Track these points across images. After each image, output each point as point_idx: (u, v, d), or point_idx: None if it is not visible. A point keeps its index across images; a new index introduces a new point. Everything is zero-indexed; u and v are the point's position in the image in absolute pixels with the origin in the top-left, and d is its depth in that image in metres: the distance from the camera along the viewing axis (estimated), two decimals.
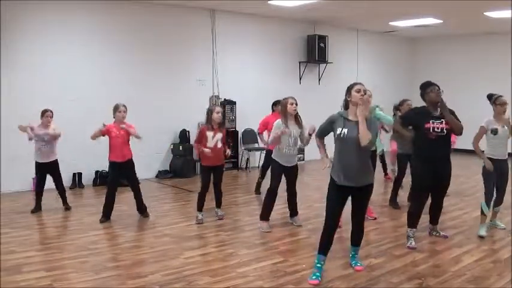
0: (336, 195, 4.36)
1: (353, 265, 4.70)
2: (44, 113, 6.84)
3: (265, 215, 6.09)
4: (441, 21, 11.56)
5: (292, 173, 6.12)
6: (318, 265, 4.42)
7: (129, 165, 6.51)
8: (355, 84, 4.43)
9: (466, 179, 9.01)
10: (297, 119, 5.96)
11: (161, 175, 9.87)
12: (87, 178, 9.00)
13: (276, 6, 10.05)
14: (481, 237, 5.68)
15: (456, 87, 12.73)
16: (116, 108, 6.44)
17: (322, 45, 11.97)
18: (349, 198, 4.44)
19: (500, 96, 5.68)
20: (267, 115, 8.31)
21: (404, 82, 14.57)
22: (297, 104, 5.93)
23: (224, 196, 6.81)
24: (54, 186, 7.05)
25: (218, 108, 6.40)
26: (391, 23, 12.26)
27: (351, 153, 4.26)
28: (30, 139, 6.76)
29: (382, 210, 7.05)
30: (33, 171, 7.04)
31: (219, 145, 6.34)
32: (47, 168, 6.91)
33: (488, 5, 9.60)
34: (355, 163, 4.26)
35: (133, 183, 6.61)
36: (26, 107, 8.13)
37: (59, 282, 4.31)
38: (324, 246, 4.43)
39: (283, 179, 6.13)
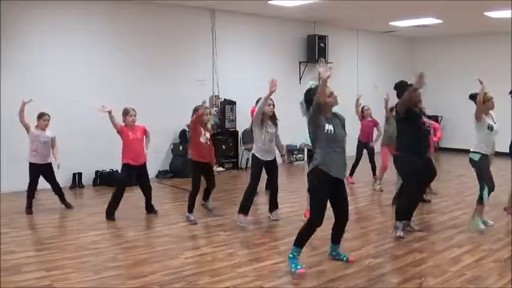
0: (326, 190, 4.41)
1: (345, 259, 4.77)
2: (42, 116, 6.77)
3: (246, 209, 6.09)
4: (441, 21, 11.56)
5: (272, 168, 6.20)
6: (298, 256, 4.50)
7: (144, 168, 6.59)
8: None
9: (466, 179, 9.02)
10: (273, 118, 6.13)
11: (161, 175, 9.87)
12: (87, 178, 8.99)
13: (276, 6, 10.05)
14: (481, 232, 5.69)
15: (456, 87, 12.73)
16: (127, 113, 6.46)
17: (322, 45, 11.97)
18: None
19: (486, 92, 5.77)
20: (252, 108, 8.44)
21: None
22: (274, 106, 6.09)
23: (224, 196, 6.83)
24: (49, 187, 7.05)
25: (208, 110, 6.44)
26: (391, 23, 12.26)
27: (339, 148, 4.43)
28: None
29: (382, 210, 7.04)
30: None
31: (209, 142, 6.42)
32: (41, 170, 6.85)
33: (488, 5, 9.60)
34: (342, 157, 4.46)
35: (148, 185, 6.68)
36: (26, 107, 8.12)
37: (59, 282, 4.30)
38: (307, 241, 4.50)
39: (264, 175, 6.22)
